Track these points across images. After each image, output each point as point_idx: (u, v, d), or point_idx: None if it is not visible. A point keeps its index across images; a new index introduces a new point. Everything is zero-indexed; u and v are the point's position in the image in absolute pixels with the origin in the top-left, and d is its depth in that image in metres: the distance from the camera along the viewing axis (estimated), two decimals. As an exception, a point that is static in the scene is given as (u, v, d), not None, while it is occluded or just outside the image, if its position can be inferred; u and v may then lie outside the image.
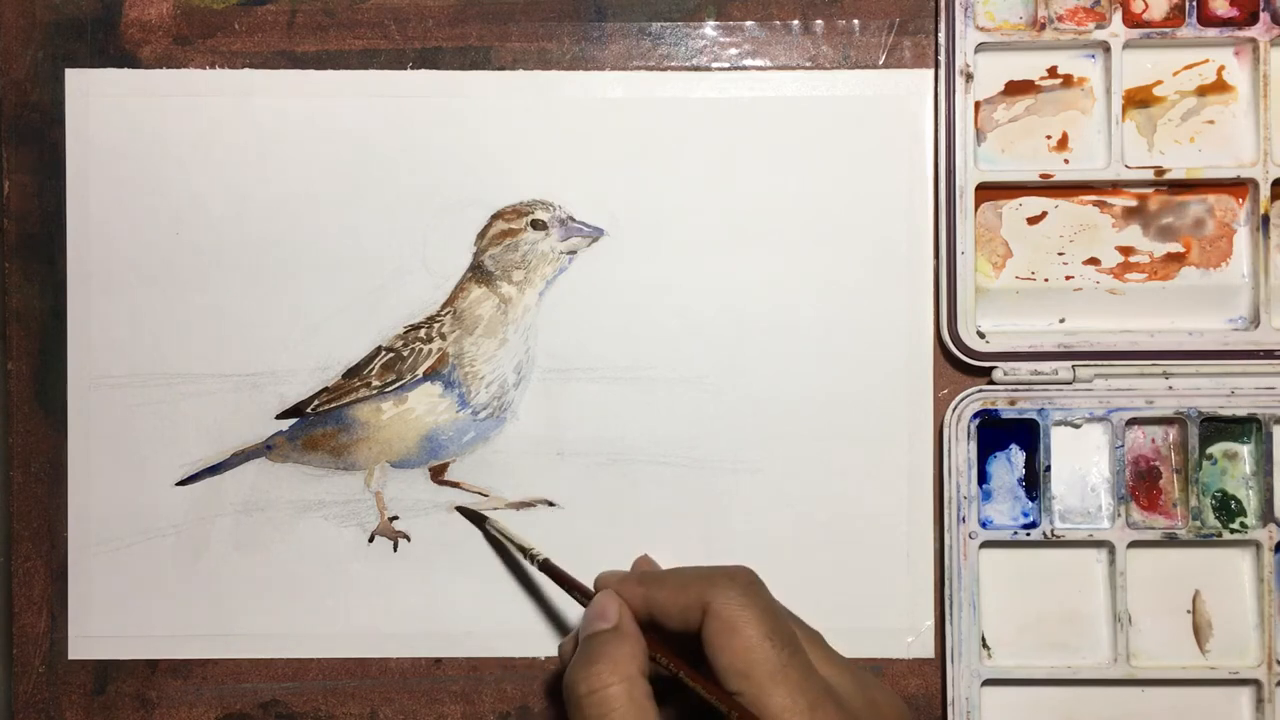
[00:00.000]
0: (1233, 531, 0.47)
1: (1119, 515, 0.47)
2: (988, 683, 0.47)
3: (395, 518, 0.49)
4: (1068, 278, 0.48)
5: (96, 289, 0.48)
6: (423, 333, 0.48)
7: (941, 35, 0.47)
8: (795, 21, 0.48)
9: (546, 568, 0.45)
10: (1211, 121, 0.48)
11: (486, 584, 0.48)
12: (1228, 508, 0.48)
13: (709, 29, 0.49)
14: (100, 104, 0.48)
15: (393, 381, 0.48)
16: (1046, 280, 0.48)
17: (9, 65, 0.49)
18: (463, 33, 0.49)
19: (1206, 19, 0.48)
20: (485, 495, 0.48)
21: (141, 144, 0.48)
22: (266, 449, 0.49)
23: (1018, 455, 0.48)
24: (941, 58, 0.47)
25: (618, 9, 0.49)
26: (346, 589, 0.49)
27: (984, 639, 0.48)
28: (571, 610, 0.48)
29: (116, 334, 0.48)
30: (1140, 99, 0.48)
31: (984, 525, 0.48)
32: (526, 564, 0.46)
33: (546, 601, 0.48)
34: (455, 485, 0.49)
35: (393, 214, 0.48)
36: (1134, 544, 0.47)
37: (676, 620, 0.39)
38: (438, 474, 0.49)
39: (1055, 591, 0.48)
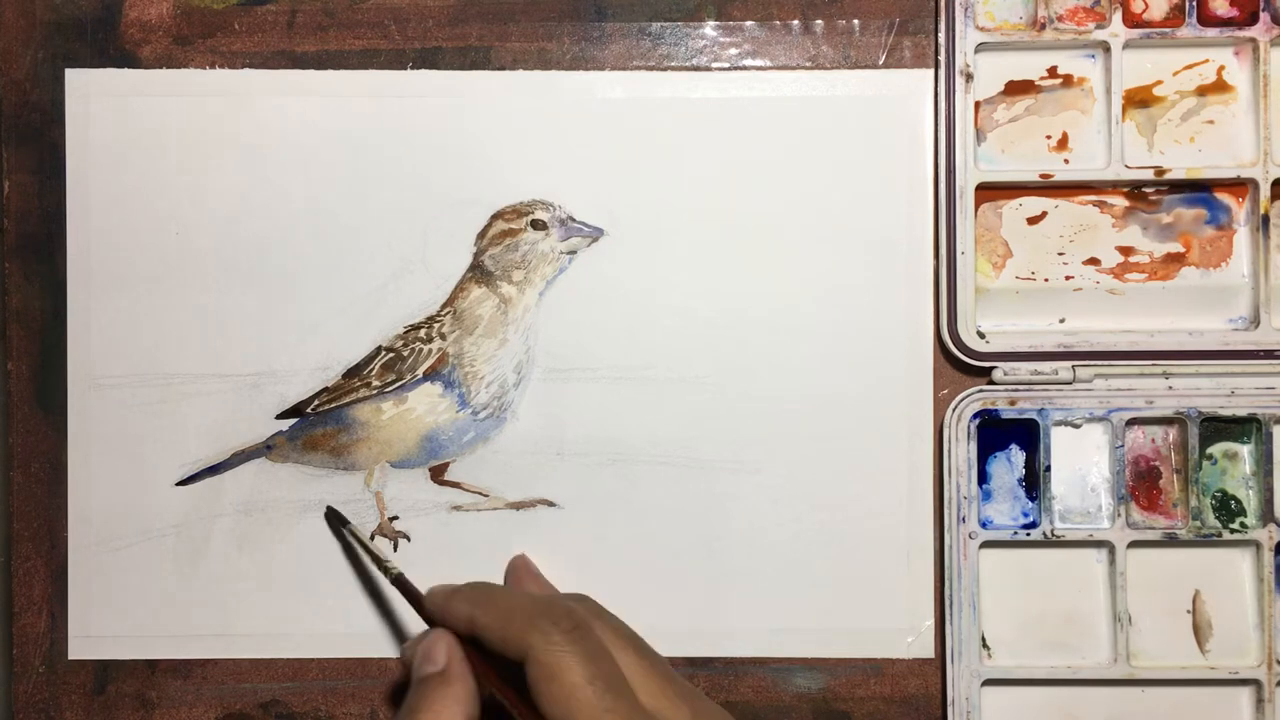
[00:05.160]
0: (1233, 531, 0.47)
1: (1119, 515, 0.47)
2: (988, 683, 0.47)
3: (395, 518, 0.49)
4: (1068, 278, 0.48)
5: (96, 289, 0.48)
6: (423, 333, 0.48)
7: (941, 35, 0.47)
8: (795, 21, 0.48)
9: (399, 583, 0.44)
10: (1211, 121, 0.48)
11: (486, 584, 0.48)
12: (1228, 508, 0.48)
13: (709, 29, 0.49)
14: (100, 104, 0.48)
15: (393, 381, 0.48)
16: (1046, 280, 0.48)
17: (9, 65, 0.49)
18: (463, 33, 0.49)
19: (1206, 19, 0.48)
20: (485, 495, 0.49)
21: (141, 144, 0.48)
22: (266, 449, 0.49)
23: (1018, 455, 0.48)
24: (941, 58, 0.47)
25: (618, 9, 0.49)
26: (346, 589, 0.49)
27: (984, 639, 0.48)
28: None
29: (116, 334, 0.48)
30: (1140, 99, 0.48)
31: (984, 525, 0.48)
32: (380, 575, 0.45)
33: (546, 601, 0.48)
34: (455, 485, 0.49)
35: (393, 214, 0.48)
36: (1134, 544, 0.47)
37: (499, 650, 0.38)
38: (438, 474, 0.49)
39: (1055, 591, 0.48)
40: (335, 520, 0.48)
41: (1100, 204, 0.48)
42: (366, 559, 0.46)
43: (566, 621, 0.37)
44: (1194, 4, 0.47)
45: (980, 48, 0.47)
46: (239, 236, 0.48)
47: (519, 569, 0.47)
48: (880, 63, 0.48)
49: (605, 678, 0.36)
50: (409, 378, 0.48)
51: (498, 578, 0.48)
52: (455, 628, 0.40)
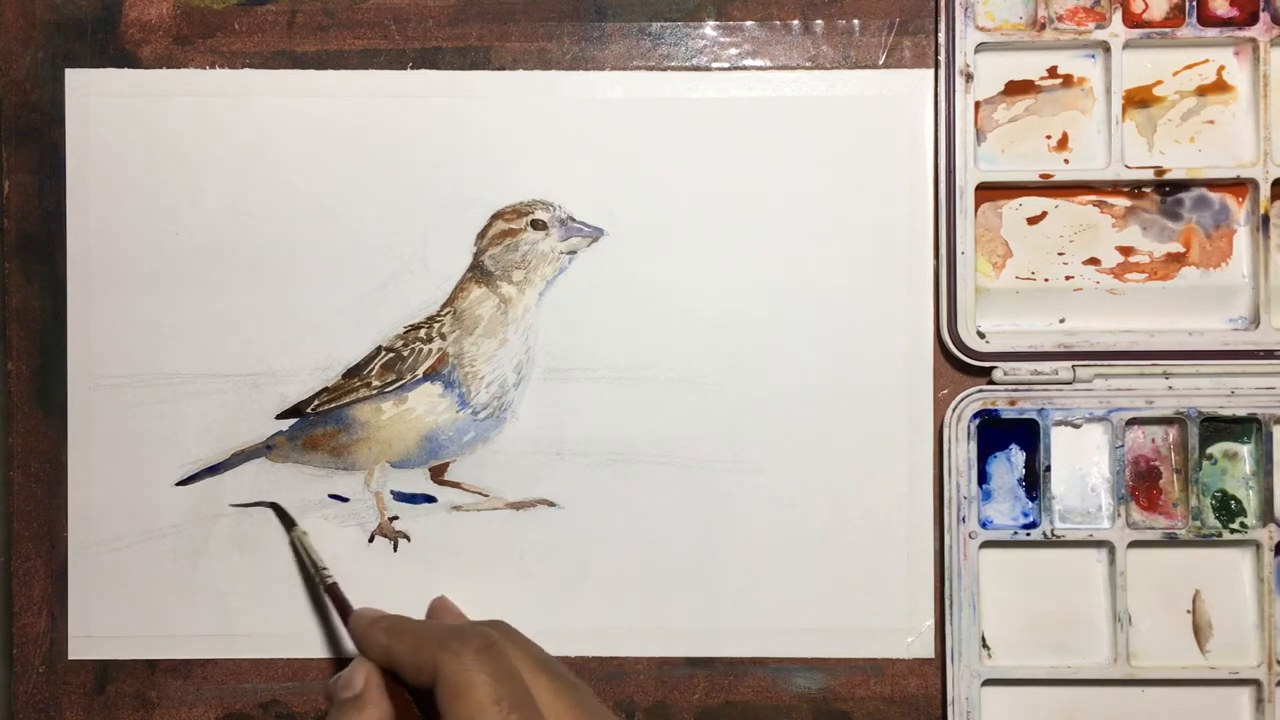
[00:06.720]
0: (1233, 531, 0.47)
1: (1119, 515, 0.47)
2: (988, 683, 0.47)
3: (395, 518, 0.49)
4: (1068, 278, 0.48)
5: (96, 289, 0.48)
6: (423, 333, 0.48)
7: (941, 35, 0.47)
8: (795, 21, 0.48)
9: (332, 593, 0.45)
10: (1211, 121, 0.48)
11: (486, 584, 0.48)
12: (1228, 508, 0.48)
13: (709, 29, 0.49)
14: (100, 104, 0.48)
15: (393, 381, 0.48)
16: (1046, 280, 0.48)
17: (9, 65, 0.49)
18: (463, 33, 0.49)
19: (1206, 19, 0.48)
20: (485, 495, 0.49)
21: (141, 144, 0.48)
22: (266, 449, 0.49)
23: (1018, 455, 0.48)
24: (941, 58, 0.47)
25: (618, 9, 0.49)
26: (347, 589, 0.48)
27: (984, 639, 0.48)
28: (572, 608, 0.48)
29: (116, 334, 0.48)
30: (1140, 99, 0.48)
31: (984, 525, 0.48)
32: (318, 582, 0.46)
33: (546, 602, 0.48)
34: (455, 485, 0.49)
35: (393, 214, 0.48)
36: (1134, 544, 0.47)
37: (412, 678, 0.38)
38: (438, 474, 0.49)
39: (1055, 591, 0.48)
40: (282, 518, 0.48)
41: (1100, 204, 0.48)
42: (307, 562, 0.47)
43: (477, 641, 0.38)
44: (1194, 4, 0.47)
45: (980, 48, 0.47)
46: (239, 236, 0.48)
47: (439, 609, 0.47)
48: (880, 63, 0.48)
49: (512, 697, 0.36)
50: (409, 378, 0.48)
51: (497, 577, 0.48)
52: (374, 657, 0.40)
